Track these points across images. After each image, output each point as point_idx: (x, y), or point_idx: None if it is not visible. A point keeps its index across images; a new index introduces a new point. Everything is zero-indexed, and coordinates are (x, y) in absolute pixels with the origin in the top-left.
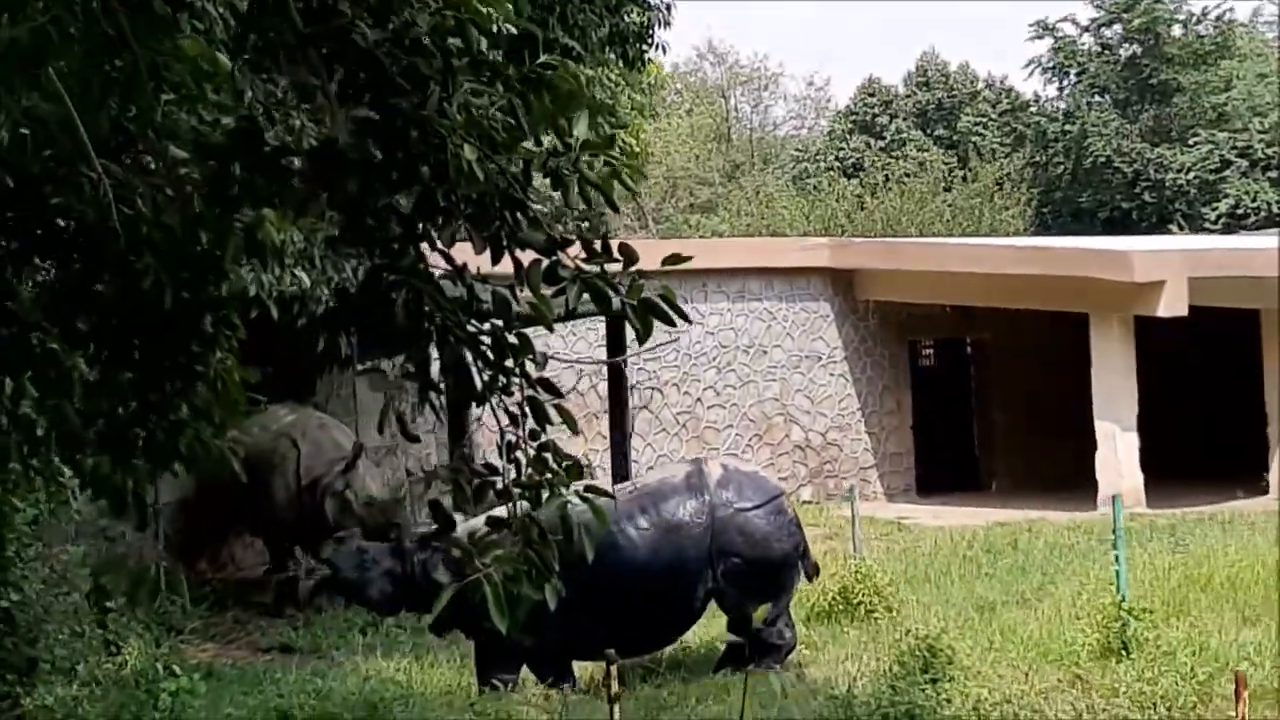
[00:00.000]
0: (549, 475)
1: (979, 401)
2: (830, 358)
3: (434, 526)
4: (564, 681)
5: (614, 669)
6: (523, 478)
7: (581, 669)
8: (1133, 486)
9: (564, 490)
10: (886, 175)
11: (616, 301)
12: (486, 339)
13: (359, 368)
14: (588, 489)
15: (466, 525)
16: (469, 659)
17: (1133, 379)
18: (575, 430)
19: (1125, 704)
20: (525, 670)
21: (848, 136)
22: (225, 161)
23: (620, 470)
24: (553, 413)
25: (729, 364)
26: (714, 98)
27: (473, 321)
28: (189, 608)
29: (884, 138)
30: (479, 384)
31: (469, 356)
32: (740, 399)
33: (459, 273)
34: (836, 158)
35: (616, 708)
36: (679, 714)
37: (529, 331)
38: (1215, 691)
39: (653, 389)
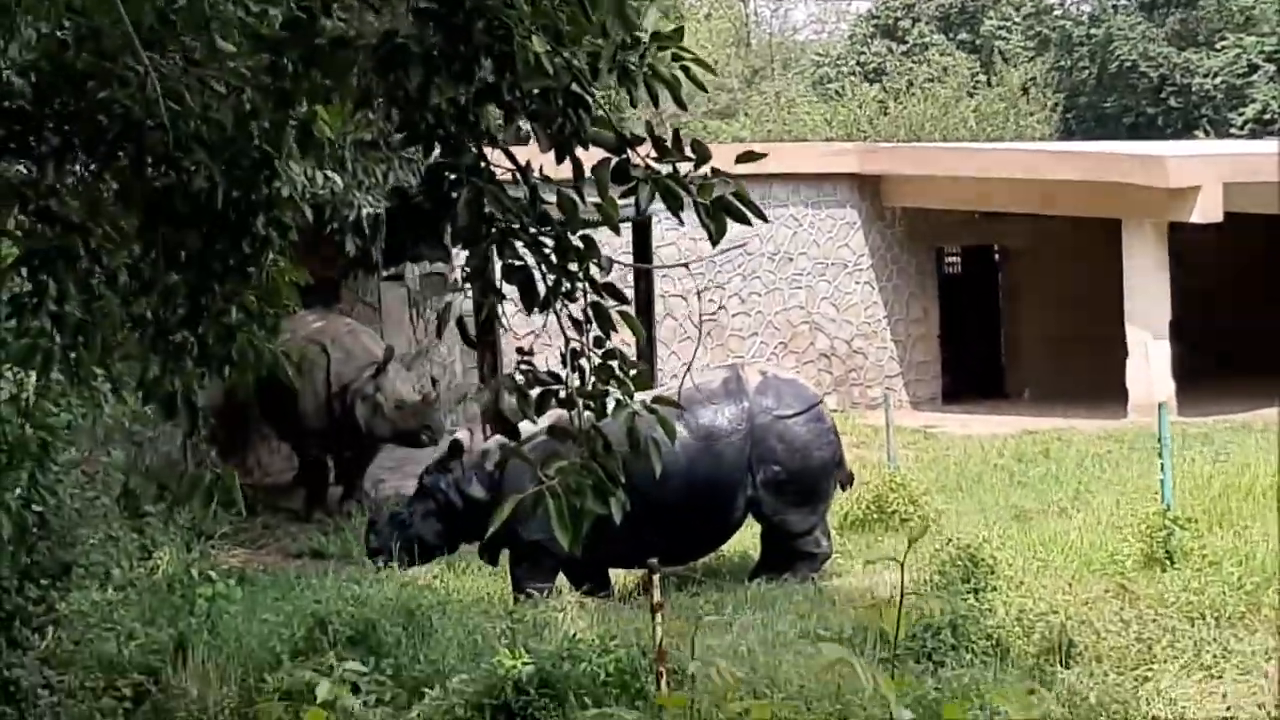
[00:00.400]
0: (614, 384)
1: (1006, 309)
2: (856, 265)
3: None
4: (600, 591)
5: (655, 578)
6: (587, 386)
7: (615, 578)
8: (1164, 395)
9: (630, 400)
10: (909, 80)
11: (687, 201)
12: (549, 242)
13: (383, 274)
14: (655, 399)
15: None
16: (501, 568)
17: (1166, 286)
18: (640, 337)
19: (1173, 614)
20: (560, 579)
21: (869, 41)
22: (278, 54)
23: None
24: (617, 319)
25: (754, 271)
26: (732, 1)
27: (536, 224)
28: (241, 511)
29: (906, 42)
30: (541, 289)
31: (531, 260)
32: (765, 306)
33: (522, 172)
34: (858, 62)
35: (659, 617)
36: (718, 623)
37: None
38: (1264, 601)
39: (677, 295)
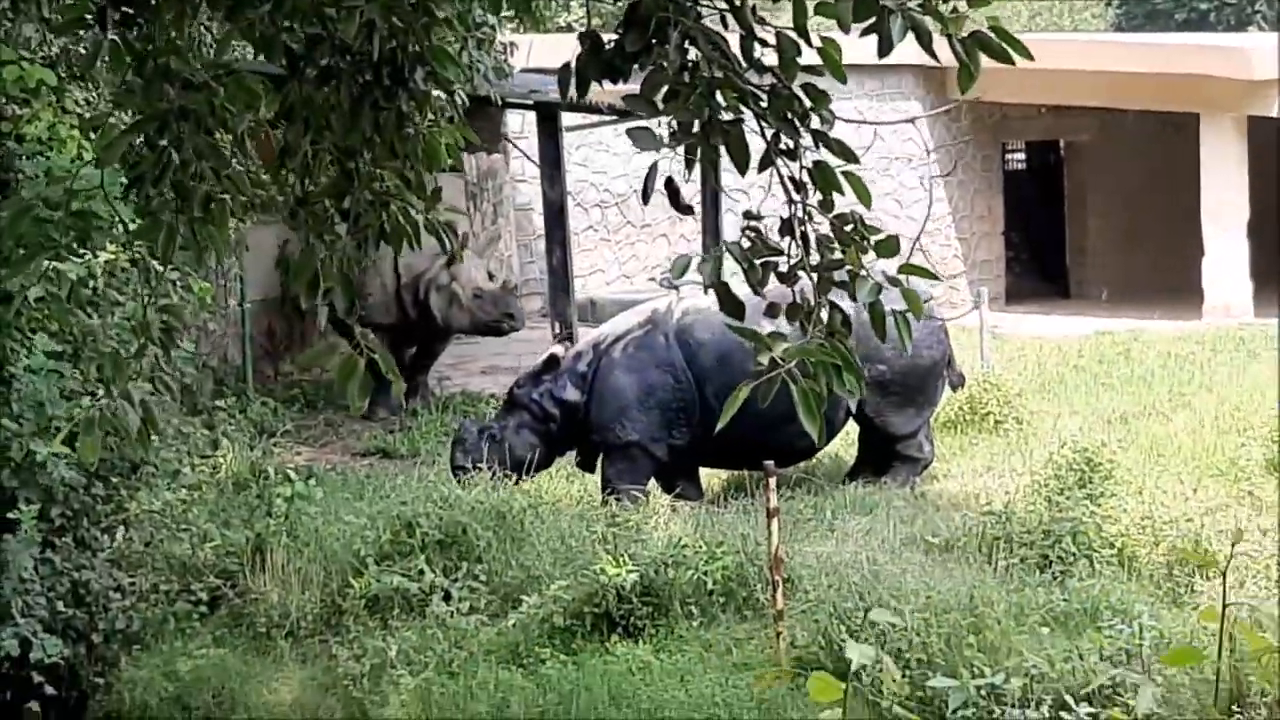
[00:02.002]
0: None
1: (1072, 207)
2: (920, 160)
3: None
4: (692, 492)
5: (772, 481)
6: (812, 257)
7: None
8: (1241, 295)
9: (868, 271)
10: None
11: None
12: (765, 93)
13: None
14: (903, 269)
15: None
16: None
17: (1244, 183)
18: (868, 202)
19: None
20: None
21: None
22: None
23: None
24: (844, 182)
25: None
26: None
27: (751, 71)
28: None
29: None
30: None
31: (746, 113)
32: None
33: (736, 11)
34: None
35: (774, 524)
36: (819, 529)
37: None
38: None
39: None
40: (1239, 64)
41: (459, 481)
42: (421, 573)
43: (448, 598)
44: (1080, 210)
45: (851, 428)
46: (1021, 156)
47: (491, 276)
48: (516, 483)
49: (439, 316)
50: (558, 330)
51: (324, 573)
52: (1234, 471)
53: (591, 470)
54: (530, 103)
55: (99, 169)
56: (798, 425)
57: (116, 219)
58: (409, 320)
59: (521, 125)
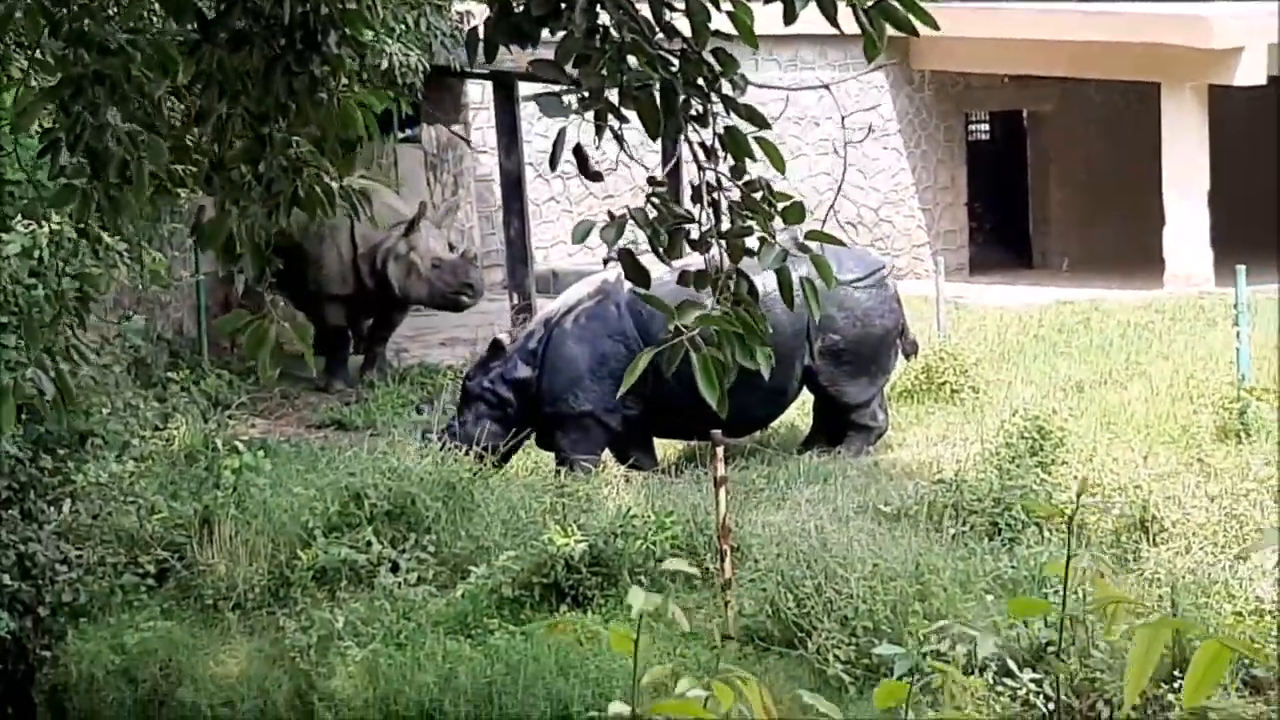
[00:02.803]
0: (759, 220)
1: (1035, 177)
2: (884, 130)
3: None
4: (646, 462)
5: (720, 450)
6: (723, 225)
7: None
8: (1202, 264)
9: (774, 239)
10: None
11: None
12: (676, 58)
13: (400, 136)
14: (811, 235)
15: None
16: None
17: (1205, 152)
18: (782, 168)
19: (1255, 488)
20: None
21: None
22: None
23: None
24: (755, 147)
25: (778, 136)
26: None
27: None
28: (311, 369)
29: None
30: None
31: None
32: (790, 173)
33: None
34: None
35: (723, 492)
36: (772, 497)
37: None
38: None
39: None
40: (1200, 33)
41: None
42: (369, 544)
43: (395, 569)
44: (1043, 180)
45: (807, 398)
46: (985, 127)
47: (451, 247)
48: (498, 466)
49: (397, 287)
50: (515, 302)
51: (272, 545)
52: (1185, 439)
53: (552, 449)
54: (486, 72)
55: (13, 135)
56: (750, 396)
57: (30, 183)
58: (366, 291)
59: (482, 96)
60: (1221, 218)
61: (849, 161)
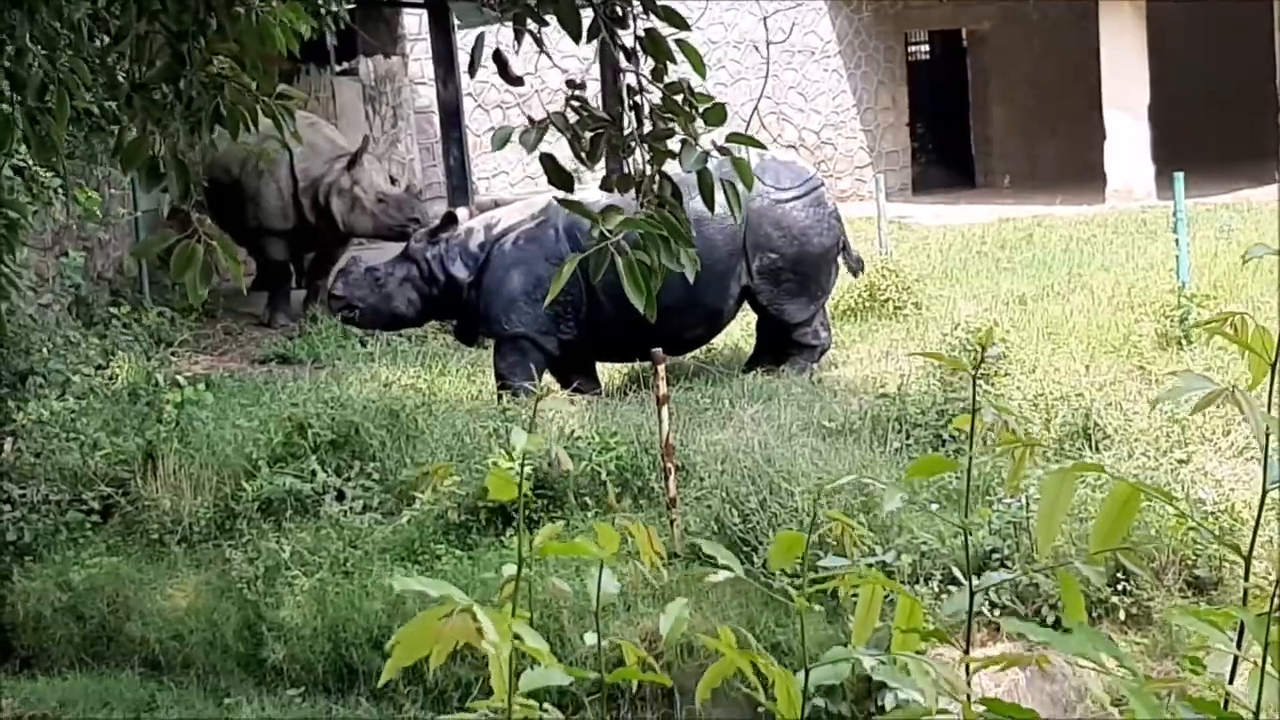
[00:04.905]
0: (681, 122)
1: (976, 96)
2: (824, 52)
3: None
4: (589, 386)
5: (660, 369)
6: (647, 126)
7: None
8: (1143, 179)
9: (697, 140)
10: None
11: None
12: None
13: (336, 69)
14: (731, 137)
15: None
16: (479, 366)
17: (1144, 67)
18: (702, 72)
19: None
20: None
21: None
22: None
23: None
24: (676, 49)
25: (719, 61)
26: None
27: None
28: (242, 289)
29: None
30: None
31: None
32: (731, 97)
33: None
34: None
35: (664, 411)
36: (716, 417)
37: None
38: None
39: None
40: None
41: (333, 312)
42: (314, 474)
43: (341, 497)
44: (984, 99)
45: (750, 318)
46: (925, 47)
47: (394, 181)
48: (371, 328)
49: (340, 221)
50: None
51: (216, 477)
52: (1126, 348)
53: (468, 343)
54: (420, 0)
55: None
56: (686, 316)
57: None
58: (307, 225)
59: (419, 27)
60: (1163, 131)
61: (789, 85)
